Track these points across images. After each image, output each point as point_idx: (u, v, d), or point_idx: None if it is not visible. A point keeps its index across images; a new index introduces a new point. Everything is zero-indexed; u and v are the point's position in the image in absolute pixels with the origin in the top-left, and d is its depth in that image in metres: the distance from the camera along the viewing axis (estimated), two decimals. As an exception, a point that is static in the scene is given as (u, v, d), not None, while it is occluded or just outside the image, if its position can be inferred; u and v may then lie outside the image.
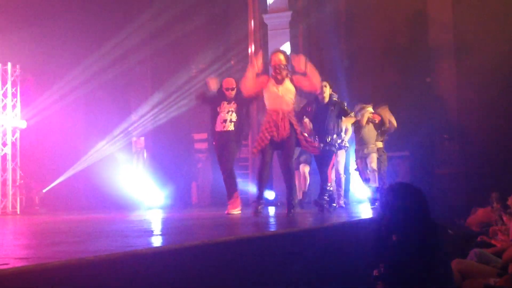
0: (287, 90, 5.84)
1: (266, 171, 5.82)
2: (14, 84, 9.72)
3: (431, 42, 11.10)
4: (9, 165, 9.56)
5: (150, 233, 4.36)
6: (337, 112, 7.08)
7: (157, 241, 3.78)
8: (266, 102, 5.93)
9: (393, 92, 10.95)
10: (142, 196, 10.37)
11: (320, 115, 6.98)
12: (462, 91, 10.90)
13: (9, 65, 9.63)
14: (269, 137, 5.71)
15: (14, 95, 9.73)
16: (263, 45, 11.59)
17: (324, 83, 6.92)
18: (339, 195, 8.03)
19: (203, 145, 12.98)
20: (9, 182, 9.49)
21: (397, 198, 2.74)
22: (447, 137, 10.88)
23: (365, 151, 8.04)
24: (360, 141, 8.12)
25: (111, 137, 10.96)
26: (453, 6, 10.92)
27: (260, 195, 5.88)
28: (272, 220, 5.94)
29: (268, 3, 11.42)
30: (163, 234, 4.17)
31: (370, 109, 8.16)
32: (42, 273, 2.27)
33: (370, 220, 5.48)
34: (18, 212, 9.49)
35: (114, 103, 11.01)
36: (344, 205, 8.10)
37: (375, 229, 2.87)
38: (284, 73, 5.83)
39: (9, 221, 7.69)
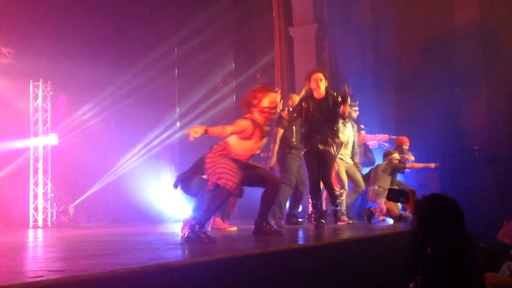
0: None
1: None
2: (45, 100, 9.94)
3: (460, 53, 10.98)
4: (41, 179, 9.75)
5: (180, 245, 4.39)
6: (332, 104, 6.19)
7: (187, 254, 3.80)
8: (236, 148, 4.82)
9: (422, 103, 10.84)
10: (170, 208, 10.44)
11: (316, 112, 6.17)
12: (493, 101, 10.73)
13: (41, 81, 9.87)
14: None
15: (45, 111, 9.95)
16: (289, 58, 11.63)
17: (319, 75, 6.23)
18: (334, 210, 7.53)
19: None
20: (41, 196, 9.67)
21: (433, 210, 2.70)
22: (477, 148, 10.70)
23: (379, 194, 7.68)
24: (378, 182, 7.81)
25: (140, 150, 11.09)
26: (482, 18, 10.79)
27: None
28: (300, 233, 5.93)
29: (294, 16, 11.46)
30: (193, 247, 4.19)
31: (396, 155, 7.90)
32: (76, 285, 2.30)
33: (404, 232, 5.40)
34: (49, 225, 9.65)
35: (142, 119, 11.14)
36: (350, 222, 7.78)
37: (410, 241, 2.83)
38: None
39: (40, 234, 7.83)
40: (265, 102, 4.84)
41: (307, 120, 6.25)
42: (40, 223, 9.54)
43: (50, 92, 9.97)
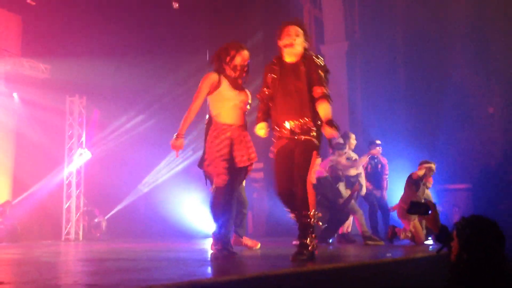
0: (246, 97, 4.67)
1: None
2: (80, 115, 10.15)
3: (493, 73, 10.84)
4: (74, 193, 9.92)
5: (210, 262, 4.40)
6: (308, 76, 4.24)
7: (218, 271, 3.81)
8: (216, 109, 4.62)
9: (453, 123, 10.72)
10: (201, 223, 10.48)
11: (285, 84, 4.28)
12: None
13: (77, 96, 10.09)
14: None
15: (80, 125, 10.15)
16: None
17: (294, 28, 4.32)
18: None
19: (259, 175, 13.02)
20: (73, 209, 9.82)
21: (475, 232, 2.63)
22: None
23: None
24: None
25: (171, 165, 11.18)
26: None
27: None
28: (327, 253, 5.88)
29: (325, 34, 11.50)
30: (223, 263, 4.20)
31: (421, 172, 7.78)
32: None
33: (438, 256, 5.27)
34: (81, 238, 9.79)
35: (174, 133, 11.25)
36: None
37: (448, 264, 2.77)
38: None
39: (73, 247, 7.94)
40: (238, 60, 4.63)
41: (275, 94, 4.32)
42: (72, 236, 9.68)
43: (85, 107, 10.18)
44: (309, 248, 3.99)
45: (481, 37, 10.91)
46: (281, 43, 4.30)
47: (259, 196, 12.55)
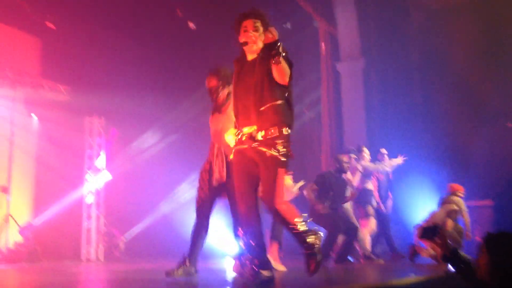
0: (229, 119, 4.35)
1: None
2: (99, 136, 10.24)
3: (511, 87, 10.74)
4: (93, 213, 9.96)
5: (233, 284, 4.38)
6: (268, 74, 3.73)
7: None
8: None
9: (472, 139, 10.61)
10: (219, 243, 10.43)
11: (243, 84, 3.87)
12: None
13: (95, 117, 10.20)
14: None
15: (99, 146, 10.24)
16: (336, 93, 11.64)
17: (251, 21, 3.90)
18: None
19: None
20: (93, 230, 9.86)
21: (506, 248, 2.57)
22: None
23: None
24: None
25: (191, 184, 11.19)
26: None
27: None
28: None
29: (340, 51, 11.51)
30: (245, 284, 4.17)
31: (454, 206, 7.70)
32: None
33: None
34: (101, 259, 9.80)
35: (193, 153, 11.25)
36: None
37: (472, 282, 2.72)
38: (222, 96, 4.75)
39: (94, 268, 7.95)
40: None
41: (234, 96, 3.94)
42: (92, 257, 9.70)
43: (104, 127, 10.28)
44: (316, 245, 3.65)
45: (499, 51, 10.85)
46: (239, 40, 3.89)
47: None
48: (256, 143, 3.69)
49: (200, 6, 10.82)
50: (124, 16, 9.98)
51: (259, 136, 3.69)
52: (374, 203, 8.33)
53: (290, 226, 3.69)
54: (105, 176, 10.14)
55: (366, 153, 8.46)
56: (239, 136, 3.81)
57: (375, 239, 8.29)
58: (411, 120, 10.87)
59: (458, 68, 11.20)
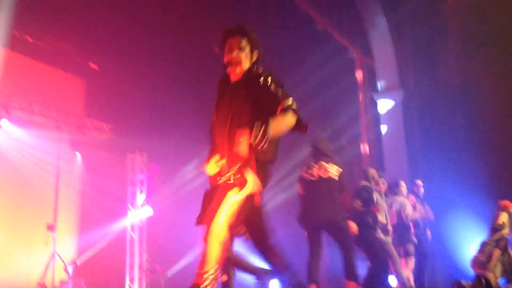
0: None
1: None
2: (141, 172, 10.41)
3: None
4: (136, 249, 10.05)
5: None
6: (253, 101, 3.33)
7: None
8: None
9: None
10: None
11: (223, 109, 3.46)
12: None
13: (138, 153, 10.39)
14: None
15: (141, 181, 10.39)
16: (375, 124, 11.55)
17: (239, 40, 3.45)
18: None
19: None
20: (136, 266, 9.93)
21: None
22: None
23: None
24: None
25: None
26: None
27: None
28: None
29: (378, 82, 11.46)
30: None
31: (506, 230, 7.47)
32: None
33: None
34: (144, 295, 9.85)
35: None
36: None
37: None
38: None
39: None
40: None
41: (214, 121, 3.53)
42: (135, 293, 9.77)
43: (146, 164, 10.44)
44: None
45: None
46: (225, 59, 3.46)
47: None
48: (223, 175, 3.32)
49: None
50: (164, 54, 10.22)
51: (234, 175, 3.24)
52: (414, 239, 8.00)
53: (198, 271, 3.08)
54: (147, 212, 10.25)
55: (403, 186, 8.16)
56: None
57: (417, 276, 7.98)
58: (454, 150, 10.66)
59: (501, 95, 11.00)
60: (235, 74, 3.44)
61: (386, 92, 11.33)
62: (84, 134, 9.88)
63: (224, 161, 3.29)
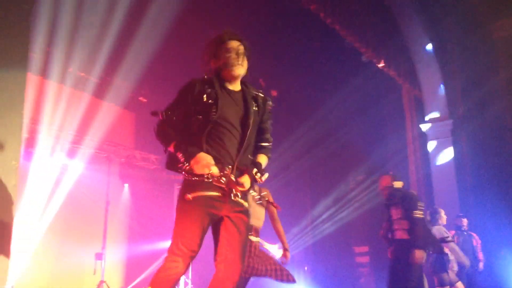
0: None
1: None
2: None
3: None
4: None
5: None
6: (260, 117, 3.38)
7: None
8: None
9: None
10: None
11: (229, 113, 3.27)
12: None
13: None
14: None
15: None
16: (423, 155, 11.35)
17: (240, 45, 3.31)
18: None
19: (365, 259, 12.63)
20: (181, 296, 9.97)
21: None
22: None
23: None
24: None
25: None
26: None
27: None
28: None
29: (426, 113, 11.29)
30: None
31: None
32: None
33: None
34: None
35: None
36: None
37: None
38: None
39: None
40: None
41: (208, 123, 3.20)
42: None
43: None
44: None
45: None
46: (219, 62, 3.30)
47: (366, 282, 12.12)
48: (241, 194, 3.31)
49: (281, 75, 11.08)
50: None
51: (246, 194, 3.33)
52: (455, 267, 7.72)
53: None
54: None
55: (443, 214, 7.97)
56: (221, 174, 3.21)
57: None
58: (507, 181, 10.31)
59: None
60: (234, 79, 3.32)
61: (434, 123, 11.14)
62: (132, 165, 10.10)
63: (230, 172, 3.17)
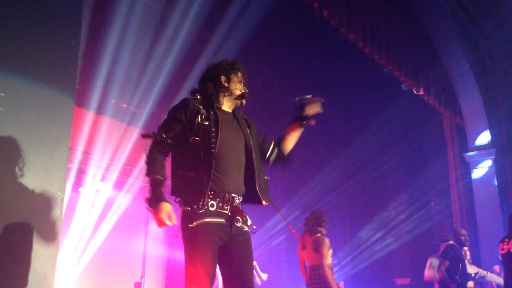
0: None
1: None
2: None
3: None
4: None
5: None
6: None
7: None
8: None
9: None
10: None
11: (230, 137, 3.30)
12: None
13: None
14: None
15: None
16: (466, 184, 11.08)
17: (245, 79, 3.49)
18: None
19: (407, 292, 12.29)
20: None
21: None
22: None
23: None
24: None
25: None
26: None
27: None
28: None
29: (469, 141, 11.06)
30: None
31: None
32: None
33: None
34: None
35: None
36: None
37: None
38: None
39: None
40: None
41: (209, 149, 3.15)
42: None
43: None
44: None
45: None
46: (233, 86, 3.38)
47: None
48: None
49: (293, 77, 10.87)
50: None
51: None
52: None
53: None
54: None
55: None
56: (227, 200, 3.23)
57: None
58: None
59: None
60: (234, 105, 3.44)
61: (477, 151, 10.89)
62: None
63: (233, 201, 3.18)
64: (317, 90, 10.90)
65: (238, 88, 3.37)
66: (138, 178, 9.35)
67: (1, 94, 3.75)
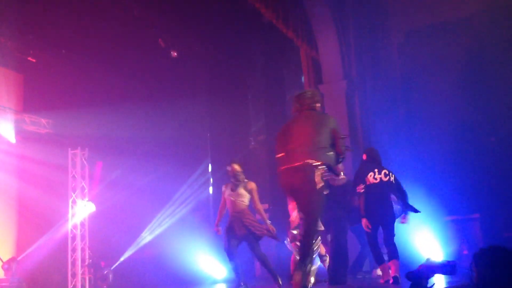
0: (239, 195, 6.45)
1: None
2: (83, 168, 10.18)
3: (494, 102, 10.84)
4: (79, 245, 9.86)
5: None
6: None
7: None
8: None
9: (457, 153, 10.64)
10: (208, 269, 10.31)
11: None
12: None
13: (79, 149, 10.14)
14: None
15: (83, 178, 10.17)
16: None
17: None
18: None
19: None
20: (79, 262, 9.74)
21: (495, 263, 2.53)
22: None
23: None
24: None
25: (173, 209, 11.08)
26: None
27: None
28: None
29: (323, 74, 11.57)
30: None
31: None
32: None
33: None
34: (88, 291, 9.68)
35: (175, 178, 11.17)
36: None
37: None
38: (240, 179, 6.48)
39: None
40: (229, 172, 6.57)
41: None
42: (78, 289, 9.58)
43: (87, 160, 10.22)
44: None
45: (478, 70, 10.95)
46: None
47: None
48: None
49: (181, 36, 10.89)
50: (105, 47, 10.02)
51: None
52: None
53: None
54: (89, 208, 10.05)
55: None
56: None
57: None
58: (395, 139, 10.88)
59: (440, 86, 11.29)
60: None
61: (330, 83, 11.44)
62: (21, 128, 9.60)
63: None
64: (179, 21, 10.73)
65: None
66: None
67: None
